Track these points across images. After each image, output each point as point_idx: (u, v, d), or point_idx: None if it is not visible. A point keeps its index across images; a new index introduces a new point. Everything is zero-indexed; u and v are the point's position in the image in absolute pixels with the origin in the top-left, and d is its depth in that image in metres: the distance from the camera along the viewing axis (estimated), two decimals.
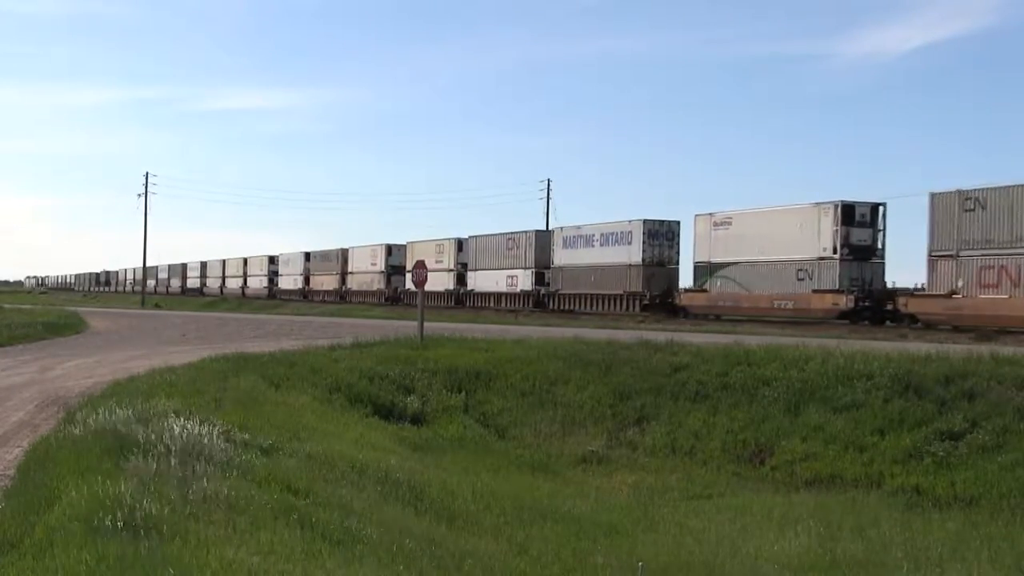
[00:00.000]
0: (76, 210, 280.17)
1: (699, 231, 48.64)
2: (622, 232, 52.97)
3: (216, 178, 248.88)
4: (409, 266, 70.45)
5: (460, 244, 69.28)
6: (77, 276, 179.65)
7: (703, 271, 48.23)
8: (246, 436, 11.53)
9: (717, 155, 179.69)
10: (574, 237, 57.04)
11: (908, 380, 17.72)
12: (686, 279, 51.37)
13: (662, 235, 51.98)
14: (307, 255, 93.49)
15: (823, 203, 41.89)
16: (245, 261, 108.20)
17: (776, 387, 18.79)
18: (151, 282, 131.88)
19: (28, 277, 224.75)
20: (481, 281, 65.81)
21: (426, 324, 27.80)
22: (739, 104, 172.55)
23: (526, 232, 62.42)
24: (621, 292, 52.50)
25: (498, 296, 63.61)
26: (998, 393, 16.57)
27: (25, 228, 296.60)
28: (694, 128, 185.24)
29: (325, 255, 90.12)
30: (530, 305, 59.27)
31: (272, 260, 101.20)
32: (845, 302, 40.51)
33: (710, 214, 47.92)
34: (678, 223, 52.31)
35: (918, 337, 31.36)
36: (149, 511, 7.28)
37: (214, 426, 11.22)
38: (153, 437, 10.12)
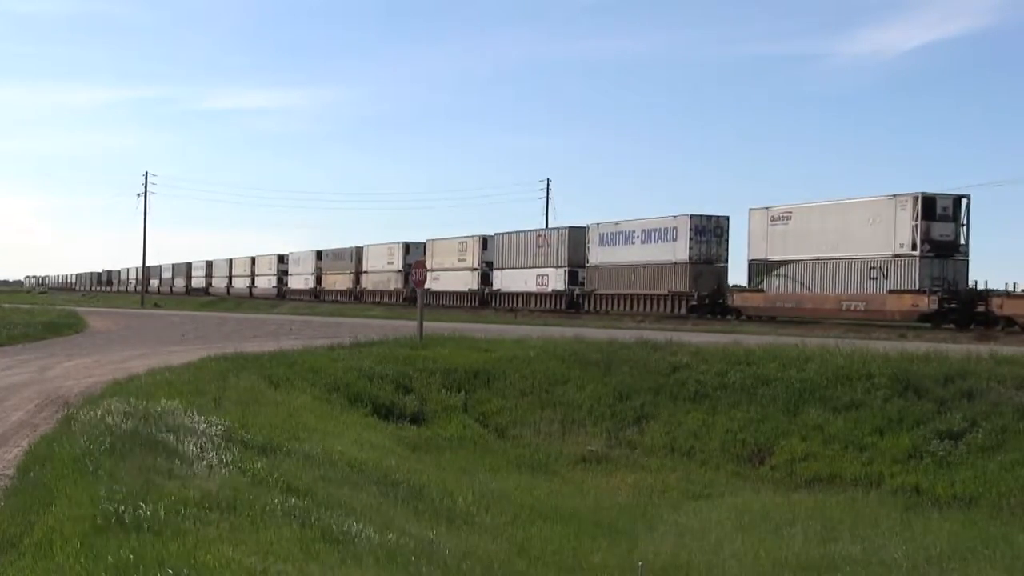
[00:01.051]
0: (76, 210, 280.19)
1: (754, 227, 44.98)
2: (666, 228, 49.65)
3: (216, 178, 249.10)
4: (429, 264, 68.57)
5: (485, 242, 65.74)
6: (78, 276, 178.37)
7: (758, 270, 44.75)
8: (246, 435, 11.53)
9: (717, 155, 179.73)
10: (612, 234, 53.56)
11: (907, 380, 17.74)
12: (735, 278, 48.64)
13: (710, 231, 48.71)
14: (319, 253, 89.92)
15: (900, 195, 38.20)
16: (253, 260, 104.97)
17: (775, 387, 18.80)
18: (154, 281, 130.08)
19: (27, 277, 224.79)
20: (508, 281, 62.34)
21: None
22: (739, 104, 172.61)
23: (558, 229, 59.14)
24: (665, 292, 49.27)
25: (527, 296, 60.17)
26: (997, 393, 16.58)
27: (25, 228, 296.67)
28: (694, 128, 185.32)
29: (338, 253, 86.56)
30: (563, 306, 56.31)
31: (281, 259, 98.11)
32: (927, 303, 36.81)
33: (766, 208, 44.39)
34: (727, 218, 49.16)
35: (923, 337, 31.38)
36: (148, 510, 7.28)
37: (213, 426, 11.23)
38: (152, 437, 10.12)
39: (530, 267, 59.90)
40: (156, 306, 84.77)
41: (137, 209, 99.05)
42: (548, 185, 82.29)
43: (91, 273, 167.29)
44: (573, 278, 56.45)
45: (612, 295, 53.00)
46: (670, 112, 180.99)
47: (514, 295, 61.14)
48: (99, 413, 11.93)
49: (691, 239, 48.28)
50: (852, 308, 39.71)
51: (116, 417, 11.43)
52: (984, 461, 14.93)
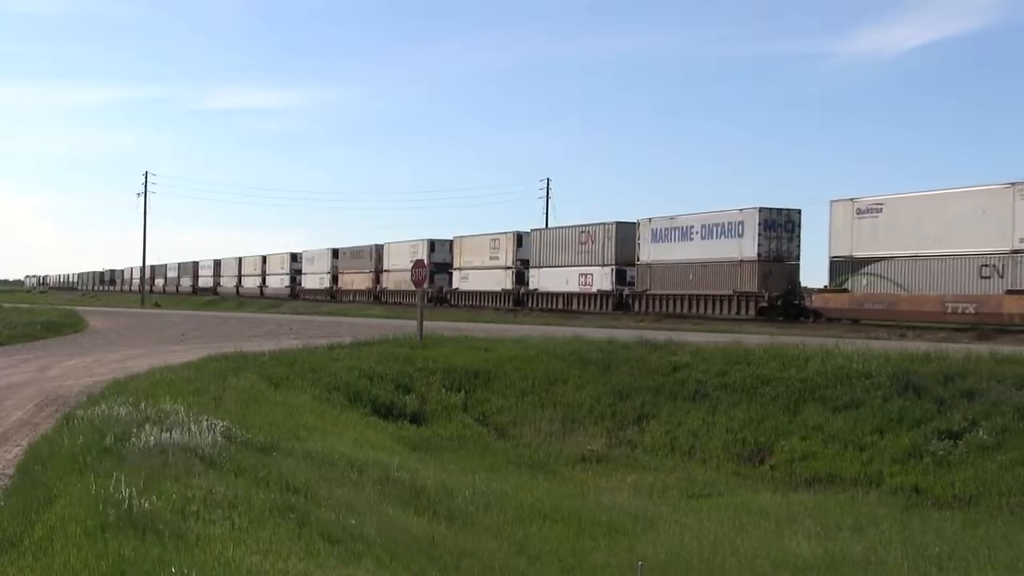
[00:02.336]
0: (77, 209, 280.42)
1: (837, 220, 39.92)
2: (730, 223, 45.28)
3: (216, 178, 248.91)
4: (457, 263, 66.05)
5: (520, 239, 61.27)
6: (80, 275, 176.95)
7: (842, 267, 39.75)
8: (246, 435, 11.53)
9: (717, 155, 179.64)
10: (667, 229, 48.98)
11: (907, 379, 17.72)
12: (808, 277, 44.91)
13: (780, 225, 44.27)
14: (335, 252, 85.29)
15: (1018, 182, 33.56)
16: (264, 259, 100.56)
17: (775, 386, 18.79)
18: (159, 281, 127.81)
19: (28, 276, 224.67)
20: (547, 280, 57.76)
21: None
22: (740, 103, 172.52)
23: (604, 224, 53.77)
24: (729, 293, 44.84)
25: (568, 297, 55.62)
26: (997, 392, 16.57)
27: (26, 227, 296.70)
28: (694, 128, 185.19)
29: (356, 252, 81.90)
30: (609, 307, 52.01)
31: (295, 257, 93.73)
32: None
33: (851, 199, 39.42)
34: (799, 212, 44.76)
35: (917, 336, 31.37)
36: (148, 509, 7.28)
37: (214, 425, 11.22)
38: (153, 436, 10.12)
39: (572, 265, 55.35)
40: (156, 305, 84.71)
41: (137, 209, 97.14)
42: (548, 185, 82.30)
43: (94, 272, 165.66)
44: (621, 277, 52.07)
45: (667, 296, 48.54)
46: (670, 112, 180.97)
47: (553, 295, 57.11)
48: (99, 412, 11.93)
49: (760, 234, 43.86)
50: (960, 311, 35.19)
51: (116, 416, 11.43)
52: (984, 461, 14.91)
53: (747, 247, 44.34)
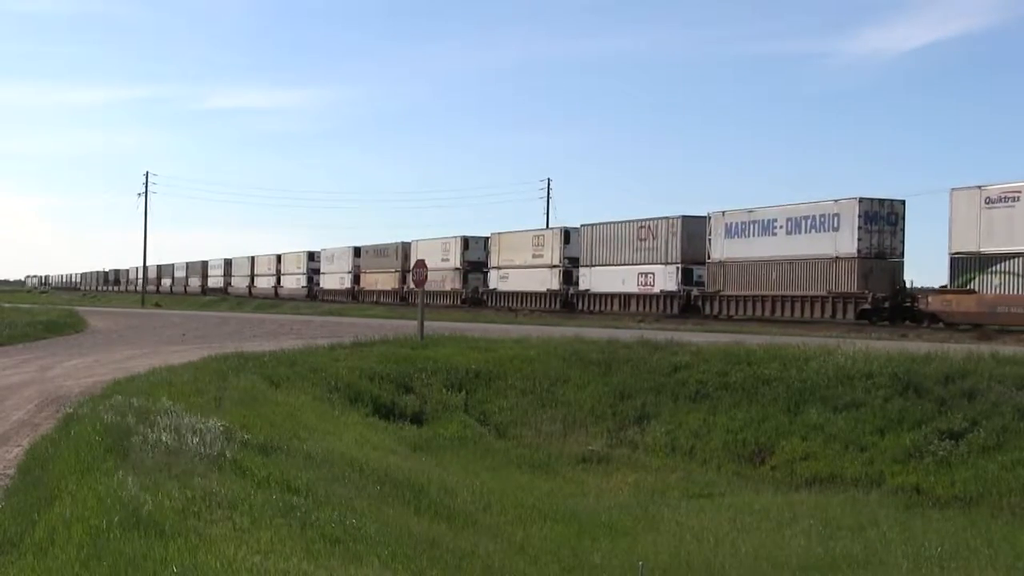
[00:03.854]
0: (78, 209, 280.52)
1: (959, 211, 35.01)
2: (824, 215, 40.83)
3: (217, 177, 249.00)
4: (495, 261, 61.83)
5: (567, 235, 56.86)
6: (83, 275, 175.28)
7: (967, 265, 34.88)
8: (246, 435, 11.54)
9: (717, 154, 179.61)
10: (745, 223, 44.36)
11: (908, 379, 17.73)
12: (913, 276, 40.98)
13: (882, 218, 39.71)
14: (356, 250, 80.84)
15: None
16: (279, 258, 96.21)
17: (776, 386, 18.79)
18: (166, 281, 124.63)
19: (29, 276, 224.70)
20: (599, 280, 52.75)
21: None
22: (740, 103, 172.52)
23: (667, 218, 48.89)
24: (823, 293, 40.39)
25: (625, 298, 50.78)
26: (998, 392, 16.57)
27: (27, 227, 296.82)
28: (695, 128, 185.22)
29: (381, 250, 76.93)
30: (674, 309, 47.38)
31: (312, 256, 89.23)
32: None
33: (978, 187, 34.66)
34: (903, 203, 40.39)
35: (917, 336, 31.37)
36: (149, 510, 7.29)
37: (214, 425, 11.23)
38: (153, 436, 10.13)
39: (629, 264, 50.49)
40: (156, 306, 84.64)
41: (138, 209, 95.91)
42: (549, 185, 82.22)
43: (97, 272, 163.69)
44: (687, 277, 47.38)
45: (745, 297, 44.01)
46: (671, 111, 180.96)
47: (607, 297, 52.17)
48: (100, 412, 11.93)
49: (860, 228, 39.13)
50: None
51: (117, 416, 11.44)
52: (985, 461, 14.92)
53: (844, 242, 39.68)
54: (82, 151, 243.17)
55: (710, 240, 45.97)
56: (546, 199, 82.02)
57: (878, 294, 38.53)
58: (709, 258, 45.99)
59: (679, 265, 47.55)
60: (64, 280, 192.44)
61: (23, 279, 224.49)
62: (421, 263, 30.95)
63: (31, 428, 13.63)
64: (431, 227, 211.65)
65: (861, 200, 39.57)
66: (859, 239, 39.18)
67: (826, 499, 14.78)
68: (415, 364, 22.14)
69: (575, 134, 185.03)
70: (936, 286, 37.76)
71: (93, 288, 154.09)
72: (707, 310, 45.62)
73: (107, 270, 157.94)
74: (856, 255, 39.22)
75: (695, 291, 46.84)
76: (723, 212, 45.73)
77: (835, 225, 40.18)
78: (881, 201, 40.05)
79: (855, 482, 15.53)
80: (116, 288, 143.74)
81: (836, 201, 40.67)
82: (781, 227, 42.72)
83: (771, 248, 42.90)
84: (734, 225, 44.92)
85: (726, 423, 18.33)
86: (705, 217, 46.73)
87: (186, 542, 6.72)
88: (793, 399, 18.29)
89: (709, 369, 20.35)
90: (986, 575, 10.96)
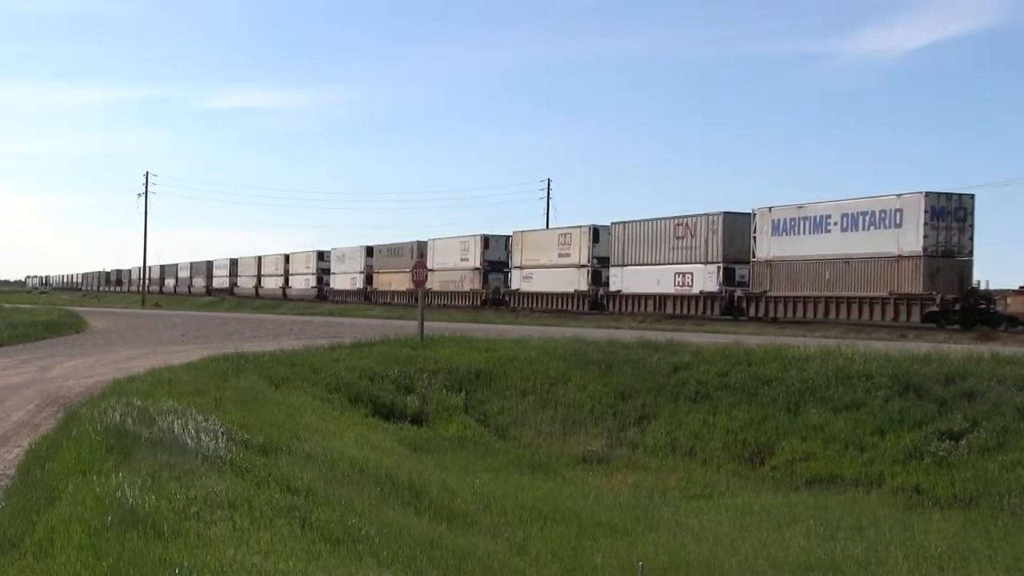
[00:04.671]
0: (79, 210, 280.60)
1: None
2: (884, 211, 38.20)
3: (216, 177, 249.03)
4: (517, 261, 59.94)
5: (596, 233, 54.25)
6: (84, 275, 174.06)
7: None
8: (246, 435, 11.54)
9: (717, 155, 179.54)
10: (794, 220, 41.83)
11: (908, 380, 17.73)
12: (985, 277, 38.17)
13: (950, 214, 37.05)
14: (369, 249, 78.97)
15: None
16: (287, 258, 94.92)
17: (776, 387, 18.79)
18: (170, 281, 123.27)
19: (29, 276, 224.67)
20: (632, 280, 50.24)
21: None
22: (740, 104, 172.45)
23: (707, 215, 46.40)
24: (883, 294, 37.86)
25: (660, 299, 48.37)
26: (998, 393, 16.58)
27: (27, 228, 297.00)
28: (695, 128, 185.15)
29: (395, 249, 74.93)
30: (715, 311, 45.08)
31: (322, 256, 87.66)
32: None
33: None
34: (971, 196, 37.76)
35: (917, 337, 31.36)
36: (150, 510, 7.29)
37: (214, 425, 11.23)
38: (153, 436, 10.13)
39: (665, 263, 48.15)
40: (156, 306, 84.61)
41: (138, 209, 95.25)
42: (549, 185, 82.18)
43: (99, 272, 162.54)
44: (729, 277, 44.94)
45: (794, 298, 41.51)
46: (671, 111, 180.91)
47: (641, 298, 49.79)
48: (100, 413, 11.93)
49: (925, 224, 36.59)
50: None
51: (117, 417, 11.44)
52: (985, 461, 14.92)
53: (908, 239, 37.15)
54: (82, 151, 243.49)
55: (755, 238, 43.51)
56: (546, 199, 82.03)
57: (947, 295, 35.96)
58: (754, 257, 43.65)
59: (720, 264, 45.09)
60: (65, 280, 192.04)
61: (23, 279, 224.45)
62: (421, 263, 30.96)
63: (31, 428, 13.64)
64: (431, 227, 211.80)
65: (927, 195, 37.08)
66: (924, 236, 36.66)
67: (826, 499, 14.78)
68: (415, 364, 22.13)
69: (575, 134, 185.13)
70: (1016, 287, 35.65)
71: (95, 288, 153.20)
72: (752, 312, 43.30)
73: (109, 270, 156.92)
74: (921, 253, 36.75)
75: (738, 292, 44.45)
76: (770, 208, 43.27)
77: (897, 221, 37.69)
78: (948, 195, 37.46)
79: (855, 482, 15.53)
80: (118, 288, 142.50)
81: (899, 196, 38.21)
82: (835, 224, 40.18)
83: (824, 246, 40.44)
84: (782, 222, 42.40)
85: (726, 423, 18.33)
86: (749, 214, 44.40)
87: (186, 542, 6.72)
88: (793, 399, 18.29)
89: (709, 369, 20.34)
90: (986, 575, 10.96)
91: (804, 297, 41.12)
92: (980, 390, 16.82)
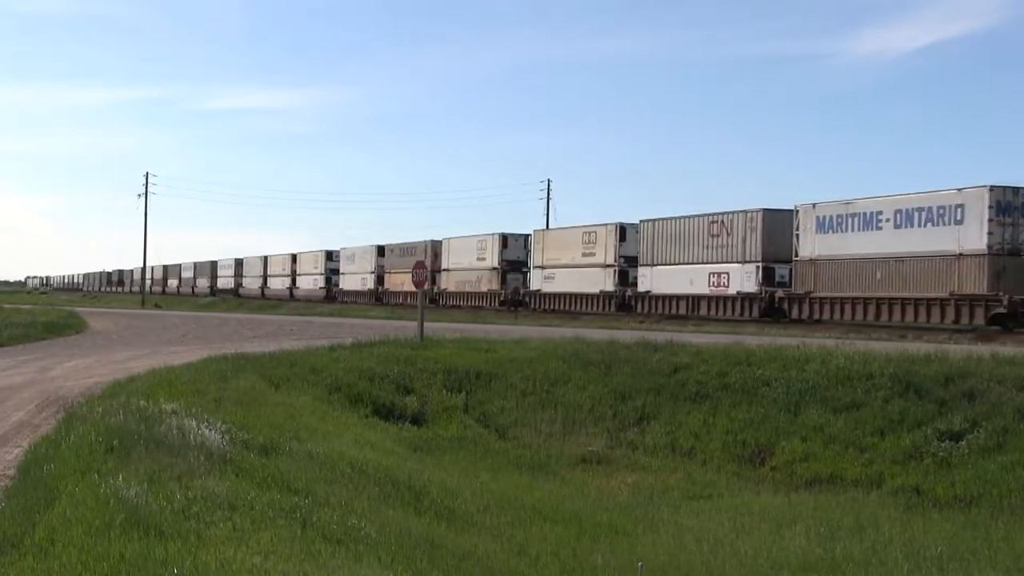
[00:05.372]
0: (80, 210, 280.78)
1: None
2: (944, 206, 35.43)
3: (217, 177, 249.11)
4: (538, 260, 58.25)
5: (623, 231, 51.98)
6: (85, 276, 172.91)
7: None
8: (246, 436, 11.54)
9: (718, 155, 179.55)
10: (841, 217, 39.43)
11: (908, 380, 17.74)
12: None
13: (1016, 208, 34.16)
14: (380, 249, 76.99)
15: None
16: (294, 257, 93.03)
17: (776, 387, 18.80)
18: (173, 282, 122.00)
19: (29, 277, 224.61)
20: (662, 280, 48.06)
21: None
22: (741, 104, 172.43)
23: (744, 212, 43.90)
24: (944, 295, 35.17)
25: (693, 300, 46.25)
26: (998, 393, 16.58)
27: (28, 228, 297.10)
28: (695, 128, 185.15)
29: (408, 248, 72.74)
30: (753, 312, 42.88)
31: (330, 256, 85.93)
32: None
33: None
34: None
35: (917, 337, 31.36)
36: (150, 510, 7.29)
37: (214, 426, 11.24)
38: (153, 437, 10.12)
39: (698, 263, 45.88)
40: (157, 306, 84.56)
41: (138, 210, 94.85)
42: (549, 185, 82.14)
43: (100, 273, 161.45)
44: (769, 277, 42.58)
45: (841, 299, 39.19)
46: (671, 112, 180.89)
47: (672, 299, 47.50)
48: (100, 413, 11.93)
49: (990, 220, 33.70)
50: None
51: (117, 417, 11.44)
52: (985, 462, 14.92)
53: (970, 237, 34.35)
54: (82, 151, 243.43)
55: (797, 236, 40.99)
56: (546, 199, 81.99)
57: (1014, 296, 33.23)
58: (796, 256, 41.13)
59: (759, 264, 42.69)
60: (66, 281, 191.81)
61: (23, 280, 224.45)
62: (421, 264, 30.97)
63: (31, 429, 13.64)
64: (432, 227, 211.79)
65: (992, 188, 34.22)
66: (989, 233, 33.76)
67: (826, 500, 14.78)
68: (415, 365, 22.13)
69: (575, 135, 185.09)
70: None
71: (96, 289, 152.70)
72: (795, 313, 41.00)
73: (110, 271, 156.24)
74: (985, 251, 33.94)
75: (779, 292, 42.08)
76: (814, 204, 40.83)
77: (958, 217, 34.88)
78: (1015, 190, 34.48)
79: (855, 483, 15.53)
80: (120, 289, 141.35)
81: (960, 190, 35.38)
82: (887, 220, 37.57)
83: (875, 244, 37.88)
84: (828, 219, 39.85)
85: (726, 424, 18.33)
86: (789, 211, 42.05)
87: (186, 543, 6.72)
88: (793, 400, 18.30)
89: (709, 370, 20.35)
90: (986, 575, 10.97)
91: (852, 298, 38.68)
92: (980, 390, 16.82)
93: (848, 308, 38.84)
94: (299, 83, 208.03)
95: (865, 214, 38.66)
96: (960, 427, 15.94)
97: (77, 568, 6.22)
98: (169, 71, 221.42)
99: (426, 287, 69.25)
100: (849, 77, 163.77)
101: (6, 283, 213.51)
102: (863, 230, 38.50)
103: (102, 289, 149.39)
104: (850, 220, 39.15)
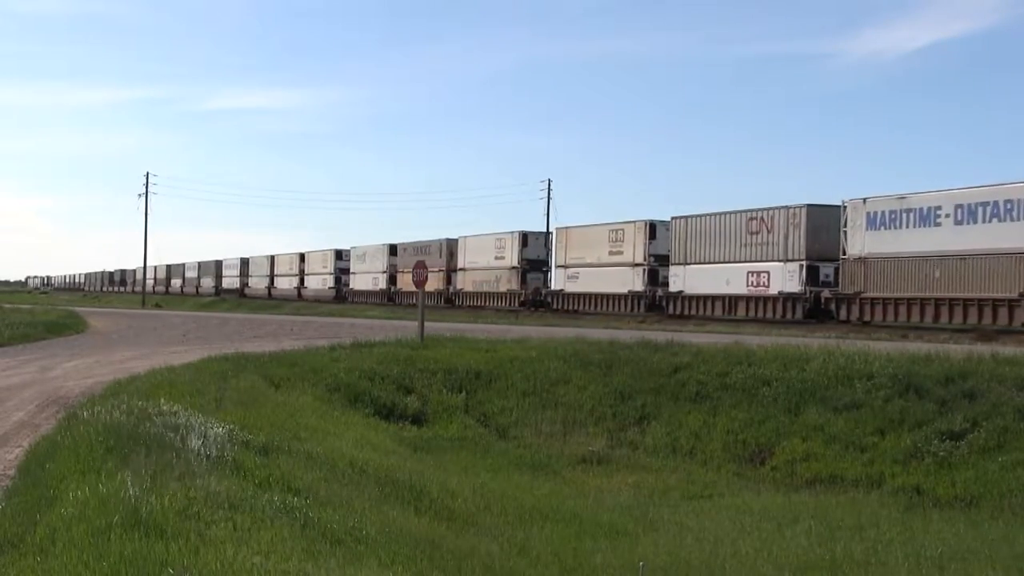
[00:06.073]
0: (80, 210, 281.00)
1: None
2: (1011, 200, 33.05)
3: (217, 178, 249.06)
4: (561, 259, 56.73)
5: (652, 229, 50.29)
6: (87, 275, 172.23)
7: None
8: (247, 436, 11.54)
9: (717, 155, 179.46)
10: (895, 212, 37.16)
11: (908, 380, 17.74)
12: None
13: None
14: (392, 248, 75.54)
15: None
16: (302, 257, 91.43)
17: (776, 387, 18.79)
18: (176, 282, 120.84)
19: (30, 277, 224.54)
20: (696, 280, 46.15)
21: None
22: (740, 104, 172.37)
23: (786, 208, 41.88)
24: (1015, 296, 32.87)
25: (730, 301, 44.33)
26: (998, 393, 16.58)
27: (28, 228, 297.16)
28: (694, 128, 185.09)
29: (422, 247, 71.20)
30: (797, 313, 41.00)
31: (340, 255, 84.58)
32: None
33: None
34: None
35: (917, 337, 31.34)
36: (150, 510, 7.28)
37: (215, 426, 11.23)
38: (154, 436, 10.12)
39: (735, 261, 43.90)
40: (157, 306, 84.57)
41: (139, 210, 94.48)
42: (549, 185, 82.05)
43: (102, 273, 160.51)
44: (813, 276, 40.69)
45: (896, 300, 36.92)
46: (671, 112, 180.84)
47: (707, 299, 45.72)
48: (100, 413, 11.93)
49: None
50: None
51: (117, 417, 11.44)
52: (985, 461, 14.92)
53: None
54: (82, 151, 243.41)
55: (846, 232, 38.82)
56: (546, 200, 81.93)
57: None
58: (844, 254, 39.00)
59: (803, 262, 40.75)
60: (67, 281, 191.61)
61: (24, 280, 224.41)
62: (421, 264, 30.92)
63: (32, 429, 13.64)
64: (431, 228, 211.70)
65: None
66: None
67: (826, 500, 14.78)
68: (415, 365, 22.13)
69: (575, 135, 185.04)
70: None
71: (98, 289, 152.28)
72: (842, 315, 38.93)
73: (112, 270, 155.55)
74: None
75: (826, 293, 40.11)
76: (864, 199, 38.58)
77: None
78: None
79: (855, 483, 15.54)
80: (122, 289, 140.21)
81: None
82: (947, 216, 35.24)
83: (933, 241, 35.58)
84: (880, 215, 37.55)
85: (726, 424, 18.33)
86: (834, 207, 40.15)
87: (186, 543, 6.71)
88: (793, 400, 18.30)
89: (709, 370, 20.35)
90: (985, 575, 10.96)
91: (908, 298, 36.41)
92: (980, 390, 16.82)
93: (903, 309, 36.71)
94: (299, 83, 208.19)
95: (921, 209, 36.37)
96: (960, 427, 15.93)
97: (77, 568, 6.22)
98: (169, 71, 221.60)
99: (440, 287, 69.87)
100: (849, 77, 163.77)
101: (6, 283, 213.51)
102: (919, 226, 36.22)
103: (103, 289, 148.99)
104: (905, 216, 36.93)
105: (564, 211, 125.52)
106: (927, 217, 36.09)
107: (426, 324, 27.46)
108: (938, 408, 16.73)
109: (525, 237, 61.21)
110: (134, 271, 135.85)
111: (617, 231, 52.60)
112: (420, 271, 29.39)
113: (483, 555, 9.66)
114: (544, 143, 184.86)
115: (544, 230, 61.43)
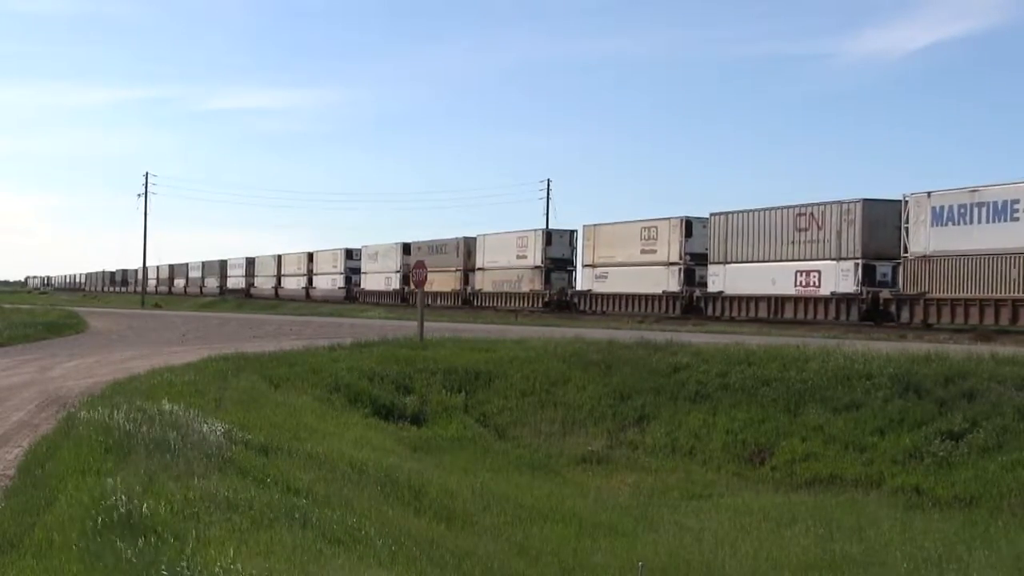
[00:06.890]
0: (81, 210, 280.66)
1: None
2: None
3: (217, 178, 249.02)
4: (589, 259, 54.09)
5: (688, 226, 47.59)
6: (87, 276, 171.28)
7: None
8: (246, 436, 11.55)
9: (717, 155, 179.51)
10: (964, 207, 34.16)
11: (908, 380, 17.73)
12: None
13: None
14: (406, 247, 72.61)
15: None
16: (311, 256, 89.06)
17: (776, 387, 18.79)
18: (179, 281, 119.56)
19: (29, 277, 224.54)
20: (737, 279, 43.53)
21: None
22: (741, 104, 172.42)
23: (840, 203, 39.24)
24: None
25: (777, 302, 41.64)
26: (998, 393, 16.57)
27: (28, 227, 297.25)
28: (695, 128, 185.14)
29: (437, 246, 68.84)
30: (851, 315, 38.51)
31: (350, 254, 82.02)
32: None
33: None
34: None
35: (917, 337, 31.34)
36: (149, 511, 7.28)
37: (214, 426, 11.23)
38: (153, 437, 10.12)
39: (782, 260, 41.41)
40: (157, 306, 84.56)
41: (139, 210, 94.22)
42: (548, 185, 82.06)
43: (103, 273, 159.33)
44: (870, 275, 38.11)
45: (965, 301, 34.27)
46: (670, 112, 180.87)
47: (750, 300, 43.12)
48: (100, 413, 11.93)
49: None
50: None
51: (117, 417, 11.44)
52: (985, 461, 14.92)
53: None
54: (82, 151, 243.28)
55: (907, 229, 35.97)
56: (546, 200, 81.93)
57: None
58: (906, 252, 36.15)
59: (859, 261, 38.06)
60: (68, 281, 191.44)
61: (24, 280, 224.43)
62: (421, 263, 30.89)
63: (31, 429, 13.64)
64: (431, 228, 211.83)
65: None
66: None
67: (826, 500, 14.78)
68: (415, 365, 22.14)
69: (575, 135, 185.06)
70: None
71: (98, 289, 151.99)
72: (903, 317, 36.52)
73: (113, 270, 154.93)
74: None
75: (885, 293, 37.65)
76: (928, 193, 35.54)
77: None
78: None
79: (855, 483, 15.53)
80: (123, 289, 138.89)
81: None
82: None
83: (1009, 237, 32.53)
84: (947, 209, 34.64)
85: (726, 424, 18.33)
86: (893, 201, 37.64)
87: (185, 543, 6.72)
88: (793, 400, 18.29)
89: (709, 370, 20.34)
90: (985, 575, 10.97)
91: (980, 300, 33.67)
92: (980, 390, 16.81)
93: (974, 311, 33.95)
94: (300, 83, 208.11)
95: (996, 203, 33.17)
96: (960, 427, 15.93)
97: (76, 568, 6.23)
98: (169, 71, 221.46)
99: (457, 287, 68.76)
100: (849, 77, 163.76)
101: (7, 283, 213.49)
102: (993, 221, 33.17)
103: (104, 289, 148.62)
104: (976, 211, 33.83)
105: (564, 211, 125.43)
106: (1002, 211, 33.01)
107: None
108: (937, 408, 16.72)
109: (549, 235, 59.12)
110: (135, 271, 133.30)
111: (650, 228, 49.74)
112: (419, 271, 29.38)
113: (483, 555, 9.67)
114: (544, 143, 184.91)
115: (569, 228, 59.12)
